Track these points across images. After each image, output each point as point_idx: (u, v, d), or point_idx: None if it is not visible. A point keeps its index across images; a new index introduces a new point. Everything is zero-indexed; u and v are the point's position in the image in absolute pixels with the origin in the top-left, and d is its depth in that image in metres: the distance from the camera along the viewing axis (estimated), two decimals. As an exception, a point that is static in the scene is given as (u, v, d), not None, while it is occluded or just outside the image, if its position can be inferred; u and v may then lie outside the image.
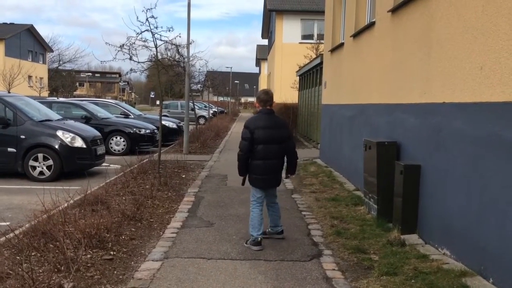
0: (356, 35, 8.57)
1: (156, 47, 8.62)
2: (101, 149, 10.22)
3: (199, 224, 5.94)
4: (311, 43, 25.15)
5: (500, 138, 3.74)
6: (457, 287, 3.73)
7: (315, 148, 15.25)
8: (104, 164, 10.53)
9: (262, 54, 51.85)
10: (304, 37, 29.22)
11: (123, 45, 8.19)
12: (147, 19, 8.11)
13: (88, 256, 4.46)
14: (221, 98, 49.59)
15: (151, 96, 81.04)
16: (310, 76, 17.34)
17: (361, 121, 8.15)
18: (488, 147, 3.93)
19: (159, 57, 9.09)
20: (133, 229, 5.56)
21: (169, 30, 8.57)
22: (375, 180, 6.05)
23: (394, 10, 6.37)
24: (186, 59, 14.26)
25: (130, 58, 8.24)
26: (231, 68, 49.57)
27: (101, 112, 14.50)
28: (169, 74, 15.47)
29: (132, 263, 4.54)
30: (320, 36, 25.09)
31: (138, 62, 8.77)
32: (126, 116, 16.21)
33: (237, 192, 7.86)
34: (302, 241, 5.30)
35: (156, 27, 8.24)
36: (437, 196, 4.89)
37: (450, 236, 4.58)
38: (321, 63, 14.05)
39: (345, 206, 6.87)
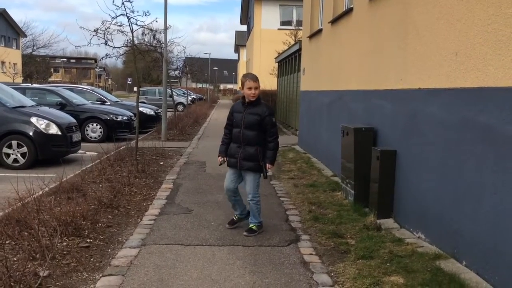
0: (334, 21, 8.57)
1: (132, 31, 8.46)
2: (76, 136, 10.05)
3: (178, 211, 5.91)
4: (290, 29, 25.12)
5: (474, 123, 3.81)
6: (431, 269, 3.81)
7: (294, 135, 15.31)
8: (80, 151, 10.36)
9: (241, 41, 51.56)
10: (283, 23, 29.16)
11: (97, 29, 8.02)
12: (122, 3, 7.94)
13: (64, 243, 4.40)
14: (199, 85, 49.21)
15: (128, 82, 79.80)
16: (289, 63, 17.33)
17: (339, 108, 8.20)
18: (463, 132, 4.00)
19: (136, 42, 8.91)
20: (110, 217, 5.50)
21: (146, 15, 8.41)
22: (352, 165, 6.11)
23: (372, -4, 6.38)
24: (163, 44, 14.08)
25: (106, 43, 8.08)
26: (209, 54, 49.16)
27: (77, 99, 14.23)
28: (146, 60, 15.23)
29: (109, 250, 4.50)
30: (299, 23, 25.07)
31: (114, 47, 8.61)
32: (103, 102, 15.96)
33: (216, 179, 7.84)
34: (280, 226, 5.33)
35: (133, 11, 8.08)
36: (412, 181, 4.98)
37: (424, 220, 4.67)
38: (300, 49, 14.04)
39: (323, 192, 6.93)
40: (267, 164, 4.94)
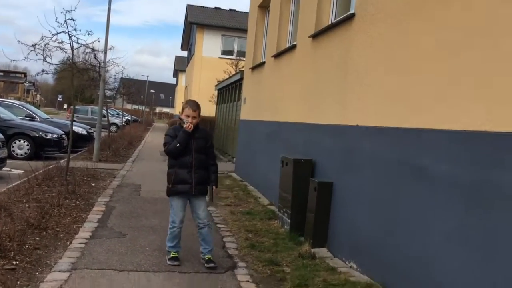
0: (277, 55, 8.87)
1: (72, 49, 8.27)
2: (2, 153, 9.47)
3: (110, 235, 5.71)
4: (231, 58, 25.47)
5: (409, 162, 4.07)
6: (363, 298, 3.96)
7: (230, 162, 15.39)
8: (5, 168, 9.76)
9: (181, 66, 51.47)
10: (224, 52, 29.54)
11: (35, 44, 7.76)
12: (65, 21, 7.78)
13: (-13, 265, 4.11)
14: (135, 107, 48.22)
15: (59, 99, 76.59)
16: (229, 91, 17.55)
17: (278, 138, 8.40)
18: (397, 170, 4.26)
19: (75, 60, 8.68)
20: (38, 238, 5.20)
21: (88, 34, 8.27)
22: (289, 195, 6.26)
23: (315, 36, 6.70)
24: (102, 64, 13.76)
25: (44, 59, 7.80)
26: (147, 77, 48.61)
27: (4, 113, 13.47)
28: (83, 78, 14.79)
29: (37, 273, 4.25)
30: (240, 53, 25.54)
31: (51, 64, 8.34)
32: (32, 118, 15.20)
33: (151, 203, 7.69)
34: (217, 253, 5.30)
35: (75, 30, 7.92)
36: (346, 212, 5.19)
37: (357, 250, 4.87)
38: (241, 79, 14.30)
39: (259, 220, 7.00)
40: (214, 187, 4.94)
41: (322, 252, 5.41)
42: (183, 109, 4.92)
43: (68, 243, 5.27)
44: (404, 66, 4.28)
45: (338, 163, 5.54)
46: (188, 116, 4.78)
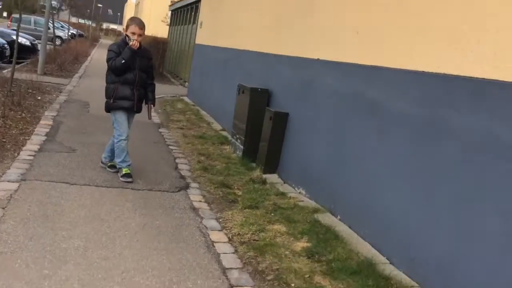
0: (240, -23, 8.54)
1: None
2: None
3: (60, 149, 5.60)
4: (187, -22, 24.21)
5: (364, 97, 4.21)
6: (310, 221, 4.20)
7: (182, 86, 15.15)
8: None
9: (132, -19, 48.45)
10: (181, -30, 27.96)
11: None
12: None
13: None
14: (81, 21, 45.36)
15: (-4, 5, 70.45)
16: (184, 13, 16.87)
17: (235, 66, 8.31)
18: (352, 104, 4.40)
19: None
20: (-17, 148, 5.03)
21: None
22: (244, 122, 6.32)
23: (282, -40, 6.48)
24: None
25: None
26: (95, -11, 45.42)
27: None
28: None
29: (-16, 182, 4.15)
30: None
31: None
32: (-31, 23, 14.00)
33: (101, 120, 7.50)
34: (170, 173, 5.38)
35: None
36: (299, 142, 5.35)
37: (306, 178, 5.09)
38: (197, 1, 13.75)
39: (211, 144, 7.08)
40: (151, 105, 5.10)
41: (273, 178, 5.61)
42: (127, 26, 4.90)
43: (16, 154, 5.14)
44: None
45: (295, 95, 5.61)
46: (134, 34, 4.79)
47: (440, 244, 3.11)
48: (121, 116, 4.88)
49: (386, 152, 3.79)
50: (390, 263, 3.52)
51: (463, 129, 3.03)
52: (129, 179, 4.81)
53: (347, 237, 3.88)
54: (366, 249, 3.71)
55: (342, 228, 4.06)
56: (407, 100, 3.62)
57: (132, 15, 34.29)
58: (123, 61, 4.70)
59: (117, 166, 4.96)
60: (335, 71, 4.79)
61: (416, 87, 3.53)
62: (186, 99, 12.02)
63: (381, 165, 3.83)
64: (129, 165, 4.92)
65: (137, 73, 4.83)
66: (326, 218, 4.28)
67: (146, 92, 5.02)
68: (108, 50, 4.85)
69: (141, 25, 4.84)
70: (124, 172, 4.86)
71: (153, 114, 9.01)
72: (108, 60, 4.79)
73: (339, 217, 4.32)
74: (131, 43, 4.74)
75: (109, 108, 4.91)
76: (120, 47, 4.80)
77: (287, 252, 3.58)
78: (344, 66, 4.60)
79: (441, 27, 3.32)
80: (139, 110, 5.01)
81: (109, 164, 5.10)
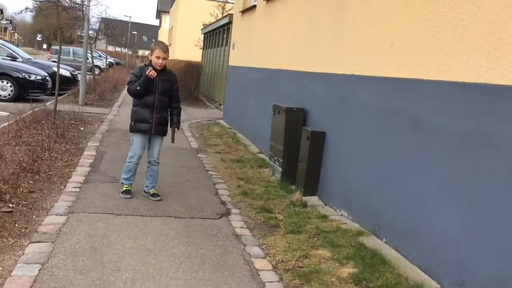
0: (270, -1, 8.63)
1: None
2: (-14, 93, 9.24)
3: (104, 180, 5.75)
4: (218, 0, 24.73)
5: (404, 112, 4.12)
6: (355, 244, 4.12)
7: (218, 109, 15.34)
8: (-12, 110, 9.56)
9: (164, 6, 49.81)
10: (211, -7, 28.57)
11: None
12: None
13: (-16, 208, 4.13)
14: (118, 49, 46.87)
15: (38, 38, 73.97)
16: (216, 36, 17.16)
17: (269, 86, 8.35)
18: (391, 119, 4.31)
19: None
20: (31, 182, 5.21)
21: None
22: (281, 143, 6.31)
23: (312, -20, 6.51)
24: (86, 2, 13.25)
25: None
26: (130, 17, 47.02)
27: (-16, 52, 13.01)
28: (65, 17, 14.26)
29: (34, 216, 4.29)
30: (227, -5, 24.77)
31: (36, 1, 8.00)
32: (14, 59, 14.71)
33: (142, 148, 7.67)
34: (211, 199, 5.41)
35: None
36: (338, 162, 5.28)
37: (348, 199, 5.00)
38: (229, 23, 13.96)
39: (250, 167, 7.09)
40: (175, 129, 5.18)
41: (313, 200, 5.55)
42: (152, 51, 5.03)
43: (62, 187, 5.30)
44: (402, 12, 4.22)
45: (331, 112, 5.56)
46: (158, 58, 4.92)
47: (493, 265, 2.98)
48: (137, 139, 5.09)
49: (430, 168, 3.68)
50: (441, 287, 3.39)
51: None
52: (128, 196, 5.09)
53: (394, 261, 3.77)
54: (415, 273, 3.59)
55: (388, 252, 3.95)
56: (450, 113, 3.52)
57: (166, 41, 35.18)
58: (138, 87, 4.88)
59: (121, 181, 5.23)
60: (370, 86, 4.73)
61: (458, 98, 3.43)
62: (222, 122, 12.15)
63: (426, 183, 3.72)
64: (130, 183, 5.18)
65: (157, 96, 4.95)
66: (371, 241, 4.18)
67: (171, 116, 5.14)
68: (131, 73, 5.04)
69: (165, 49, 4.99)
70: (124, 189, 5.14)
71: (191, 139, 9.21)
72: (128, 83, 5.02)
73: (384, 239, 4.20)
74: (147, 72, 4.86)
75: (130, 130, 5.15)
76: (142, 71, 4.96)
77: (333, 279, 3.51)
78: (381, 80, 4.54)
79: (480, 34, 3.23)
80: (160, 133, 5.08)
81: (152, 192, 5.19)
